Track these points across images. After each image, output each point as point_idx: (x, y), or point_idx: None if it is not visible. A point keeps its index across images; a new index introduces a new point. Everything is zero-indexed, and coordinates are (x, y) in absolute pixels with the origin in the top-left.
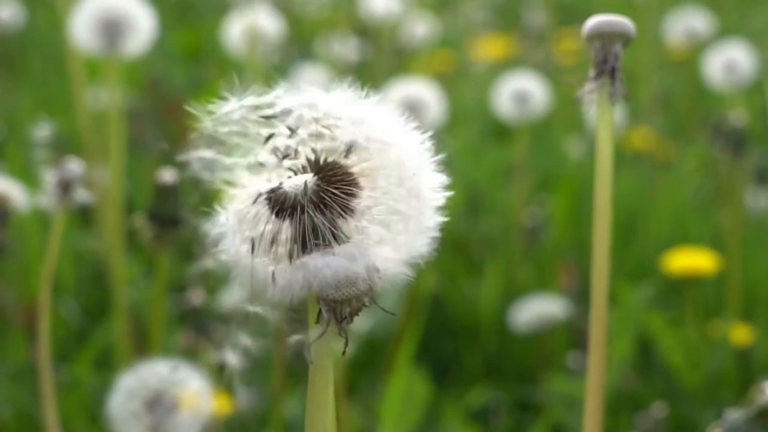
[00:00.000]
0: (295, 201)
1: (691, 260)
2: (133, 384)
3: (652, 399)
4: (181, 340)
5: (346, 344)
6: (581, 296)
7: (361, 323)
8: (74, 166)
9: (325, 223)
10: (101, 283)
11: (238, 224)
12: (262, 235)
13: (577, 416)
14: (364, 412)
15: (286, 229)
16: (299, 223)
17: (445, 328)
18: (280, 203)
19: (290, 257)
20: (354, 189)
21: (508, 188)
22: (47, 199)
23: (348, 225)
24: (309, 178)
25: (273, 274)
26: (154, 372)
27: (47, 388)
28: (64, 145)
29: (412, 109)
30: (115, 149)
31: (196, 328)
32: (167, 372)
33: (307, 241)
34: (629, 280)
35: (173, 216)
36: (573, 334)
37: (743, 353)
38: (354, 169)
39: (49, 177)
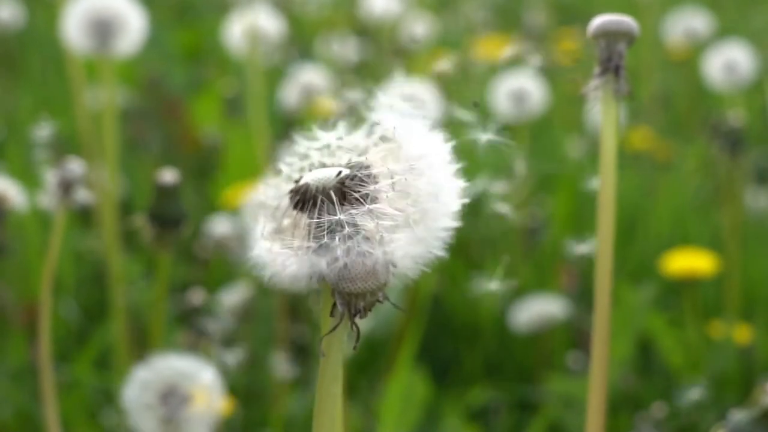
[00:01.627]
0: (315, 194)
1: (690, 261)
2: (147, 376)
3: (652, 399)
4: (181, 340)
5: (357, 339)
6: (581, 296)
7: (361, 323)
8: (75, 166)
9: (345, 216)
10: (101, 283)
11: (261, 217)
12: (282, 226)
13: (576, 416)
14: (364, 412)
15: (306, 221)
16: (318, 216)
17: (445, 328)
18: (300, 195)
19: (308, 249)
20: (374, 186)
21: (508, 188)
22: (48, 199)
23: (366, 220)
24: (331, 172)
25: (289, 264)
26: (169, 365)
27: (47, 388)
28: (63, 145)
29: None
30: (110, 149)
31: (196, 328)
32: (181, 365)
33: (326, 233)
34: (629, 281)
35: (174, 216)
36: (573, 334)
37: (744, 354)
38: (375, 167)
39: (50, 177)
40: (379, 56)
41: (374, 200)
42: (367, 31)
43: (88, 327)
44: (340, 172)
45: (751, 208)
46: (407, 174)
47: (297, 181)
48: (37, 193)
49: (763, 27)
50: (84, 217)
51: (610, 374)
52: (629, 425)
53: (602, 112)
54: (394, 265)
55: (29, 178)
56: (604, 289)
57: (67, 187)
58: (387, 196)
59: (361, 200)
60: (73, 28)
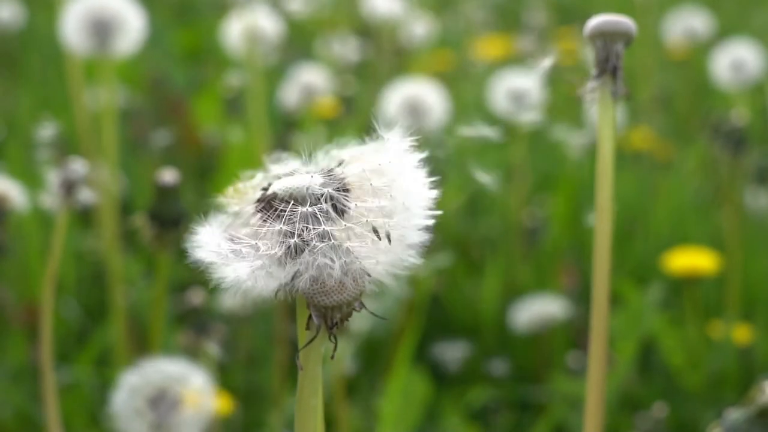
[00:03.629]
0: (282, 203)
1: (691, 260)
2: (136, 381)
3: (652, 399)
4: (181, 340)
5: (335, 349)
6: (581, 296)
7: (360, 324)
8: (78, 166)
9: (311, 226)
10: (101, 283)
11: (228, 227)
12: (248, 234)
13: (580, 417)
14: (364, 412)
15: (271, 230)
16: (284, 226)
17: (445, 328)
18: (266, 204)
19: (278, 259)
20: (346, 194)
21: (508, 188)
22: (51, 199)
23: (339, 229)
24: (300, 181)
25: (258, 275)
26: (158, 369)
27: (48, 388)
28: (63, 145)
29: (415, 110)
30: (110, 149)
31: (196, 328)
32: (171, 369)
33: (290, 243)
34: (630, 281)
35: (174, 216)
36: (573, 334)
37: (744, 353)
38: (346, 176)
39: (52, 177)
40: (379, 56)
41: (343, 210)
42: (367, 31)
43: (88, 327)
44: (308, 182)
45: (752, 208)
46: (377, 184)
47: (265, 189)
48: (37, 193)
49: (764, 26)
50: (84, 217)
51: (615, 377)
52: (629, 425)
53: (599, 113)
54: (368, 275)
55: (29, 178)
56: (602, 289)
57: (69, 187)
58: (356, 206)
59: (329, 210)
60: (72, 29)
